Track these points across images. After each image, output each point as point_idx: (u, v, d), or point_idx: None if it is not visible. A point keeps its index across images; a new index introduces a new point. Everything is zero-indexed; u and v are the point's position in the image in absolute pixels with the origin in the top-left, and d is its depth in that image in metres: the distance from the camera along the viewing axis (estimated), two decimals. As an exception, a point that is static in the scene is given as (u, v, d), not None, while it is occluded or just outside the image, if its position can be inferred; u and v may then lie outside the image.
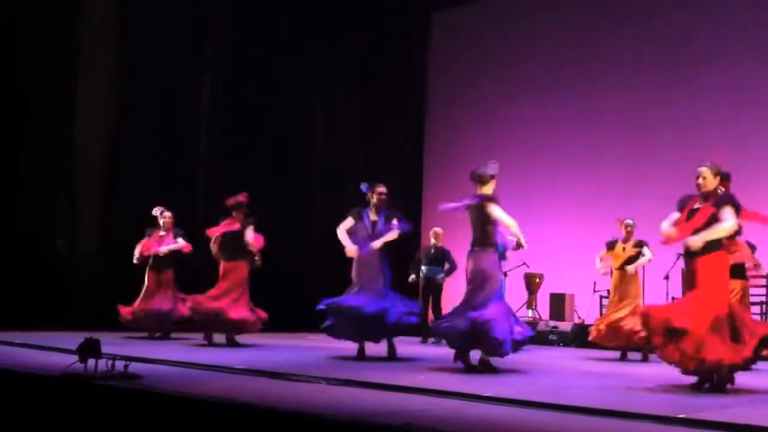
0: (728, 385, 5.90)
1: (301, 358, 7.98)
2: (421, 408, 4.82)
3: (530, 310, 12.86)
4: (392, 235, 8.02)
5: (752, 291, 10.94)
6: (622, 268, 9.33)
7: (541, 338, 11.70)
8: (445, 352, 7.80)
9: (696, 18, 12.75)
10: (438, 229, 11.75)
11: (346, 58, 14.58)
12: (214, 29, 13.31)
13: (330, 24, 13.96)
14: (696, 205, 6.01)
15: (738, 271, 8.55)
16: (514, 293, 12.81)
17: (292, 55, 13.36)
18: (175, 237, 10.44)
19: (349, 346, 8.30)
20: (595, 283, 11.76)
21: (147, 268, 10.37)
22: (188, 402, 4.92)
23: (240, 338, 9.40)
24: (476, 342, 6.91)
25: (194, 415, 4.77)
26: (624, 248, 9.42)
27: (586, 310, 12.32)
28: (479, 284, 7.05)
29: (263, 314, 9.33)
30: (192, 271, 10.47)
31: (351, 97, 14.55)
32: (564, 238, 13.23)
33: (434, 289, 11.60)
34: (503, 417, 4.65)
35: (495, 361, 7.07)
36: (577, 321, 12.31)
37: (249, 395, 5.08)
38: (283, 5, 13.35)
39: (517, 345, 6.97)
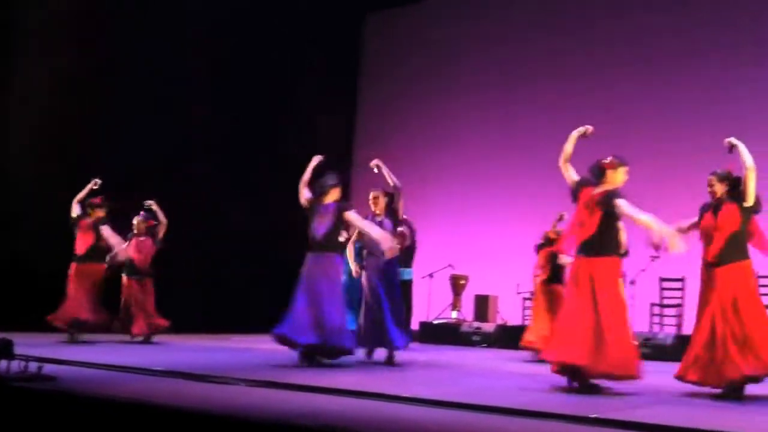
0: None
1: (223, 359, 7.91)
2: (340, 409, 4.82)
3: (455, 312, 12.98)
4: None
5: (666, 294, 11.30)
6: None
7: (464, 339, 11.85)
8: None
9: (618, 22, 13.04)
10: None
11: (278, 59, 14.48)
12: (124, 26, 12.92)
13: (261, 23, 13.83)
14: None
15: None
16: (440, 295, 12.95)
17: (214, 54, 13.17)
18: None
19: (271, 348, 8.26)
20: (518, 284, 11.95)
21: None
22: (104, 404, 4.82)
23: (162, 339, 9.33)
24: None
25: (110, 417, 4.68)
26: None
27: (509, 312, 12.50)
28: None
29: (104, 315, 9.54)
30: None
31: (281, 97, 14.45)
32: (489, 240, 13.41)
33: None
34: (423, 418, 4.68)
35: (419, 360, 7.16)
36: (500, 322, 12.48)
37: (166, 397, 5.00)
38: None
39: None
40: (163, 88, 12.16)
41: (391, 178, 7.96)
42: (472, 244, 13.58)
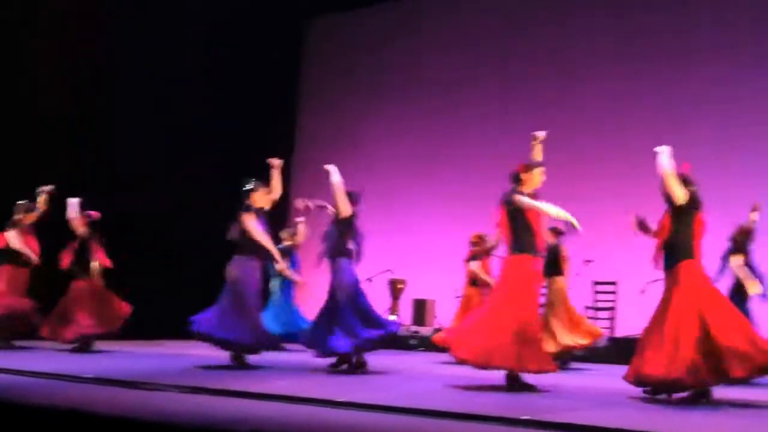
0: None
1: (157, 365, 7.78)
2: (272, 415, 4.79)
3: (393, 316, 12.99)
4: None
5: (599, 297, 11.48)
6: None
7: (402, 343, 11.88)
8: (308, 357, 7.83)
9: (569, 29, 13.22)
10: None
11: (217, 61, 14.34)
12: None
13: (202, 25, 13.69)
14: None
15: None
16: (378, 299, 12.94)
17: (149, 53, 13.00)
18: None
19: (204, 353, 8.17)
20: (456, 288, 12.00)
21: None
22: (34, 412, 4.72)
23: (96, 346, 9.20)
24: None
25: (40, 426, 4.58)
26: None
27: (446, 316, 12.55)
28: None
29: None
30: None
31: (221, 100, 14.31)
32: (428, 245, 13.47)
33: None
34: (357, 422, 4.68)
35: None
36: (437, 326, 12.53)
37: (97, 405, 4.92)
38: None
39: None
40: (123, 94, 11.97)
41: (327, 207, 7.93)
42: (410, 248, 13.62)
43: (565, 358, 9.06)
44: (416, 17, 14.73)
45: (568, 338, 8.95)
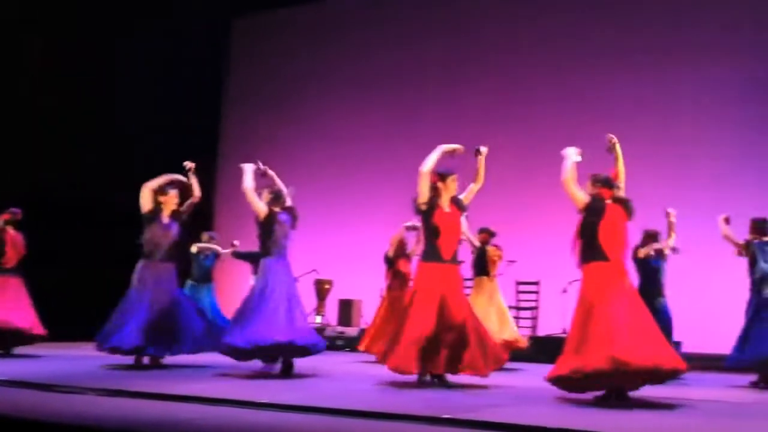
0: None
1: (74, 368, 7.61)
2: (192, 416, 4.73)
3: (319, 316, 12.98)
4: None
5: (522, 297, 11.66)
6: None
7: (328, 344, 11.85)
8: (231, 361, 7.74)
9: (487, 29, 13.39)
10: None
11: (139, 61, 14.10)
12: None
13: (127, 22, 13.44)
14: None
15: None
16: (305, 299, 12.89)
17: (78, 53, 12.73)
18: None
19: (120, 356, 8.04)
20: (381, 288, 12.03)
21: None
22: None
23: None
24: None
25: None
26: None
27: (372, 316, 12.58)
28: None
29: None
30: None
31: (150, 97, 14.06)
32: (353, 245, 13.48)
33: None
34: (279, 423, 4.65)
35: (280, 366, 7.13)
36: (364, 326, 12.55)
37: (12, 408, 4.78)
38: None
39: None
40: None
41: (277, 182, 7.87)
42: (336, 249, 13.63)
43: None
44: (342, 17, 14.74)
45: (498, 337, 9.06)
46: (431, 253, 6.68)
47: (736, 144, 11.43)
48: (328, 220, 13.88)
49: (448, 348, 6.50)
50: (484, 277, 9.26)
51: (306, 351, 7.22)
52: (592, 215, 5.98)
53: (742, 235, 8.30)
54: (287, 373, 7.28)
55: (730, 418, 5.36)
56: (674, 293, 9.44)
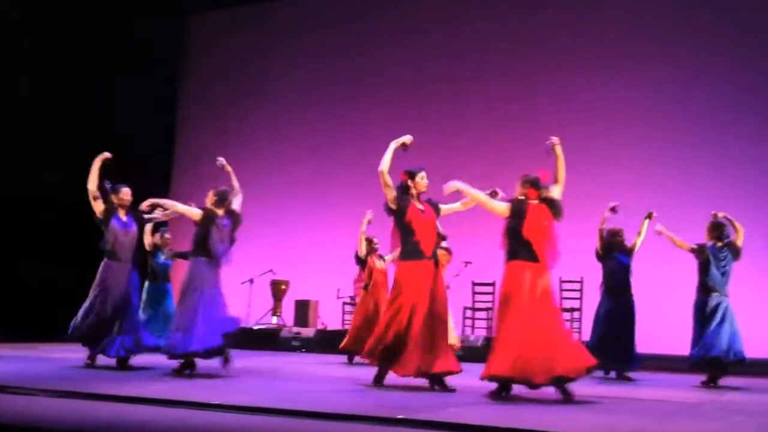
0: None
1: (27, 369, 7.50)
2: (145, 418, 4.69)
3: (275, 317, 12.94)
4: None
5: (478, 298, 11.73)
6: None
7: (284, 345, 11.83)
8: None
9: (439, 34, 13.46)
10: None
11: (95, 57, 13.91)
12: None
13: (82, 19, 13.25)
14: None
15: None
16: (261, 300, 12.87)
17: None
18: None
19: (80, 356, 7.93)
20: (338, 289, 12.05)
21: None
22: None
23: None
24: None
25: None
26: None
27: (329, 316, 12.59)
28: None
29: None
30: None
31: (97, 97, 13.88)
32: (310, 246, 13.46)
33: None
34: (232, 425, 4.63)
35: (235, 367, 7.10)
36: (320, 327, 12.55)
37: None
38: None
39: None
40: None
41: (233, 179, 7.78)
42: (292, 249, 13.60)
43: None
44: (298, 15, 14.69)
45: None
46: (412, 252, 6.60)
47: (681, 146, 11.62)
48: (285, 220, 13.84)
49: (434, 346, 6.51)
50: None
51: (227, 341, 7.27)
52: (514, 218, 6.13)
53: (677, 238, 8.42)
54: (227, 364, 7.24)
55: (679, 417, 5.45)
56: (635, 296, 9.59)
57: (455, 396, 6.20)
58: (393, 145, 6.73)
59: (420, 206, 6.71)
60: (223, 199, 7.48)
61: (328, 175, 13.71)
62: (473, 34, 13.17)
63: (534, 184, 6.25)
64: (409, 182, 6.70)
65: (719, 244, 8.20)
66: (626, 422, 5.00)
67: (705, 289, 8.11)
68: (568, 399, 5.88)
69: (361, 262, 9.86)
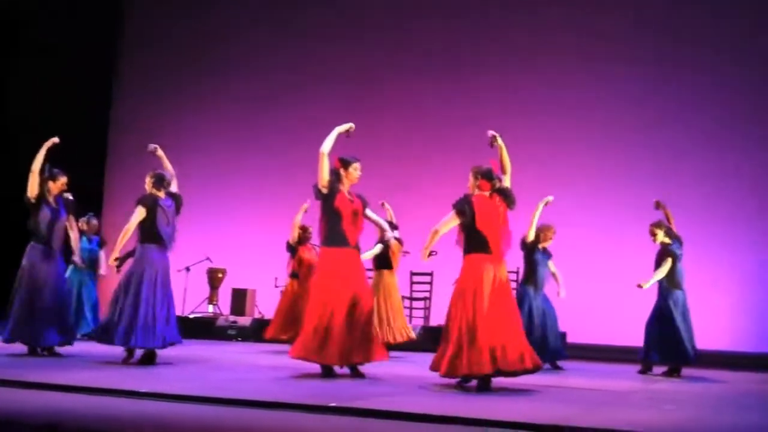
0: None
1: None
2: (70, 407, 4.60)
3: (211, 306, 12.80)
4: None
5: (416, 287, 11.79)
6: None
7: (220, 333, 11.71)
8: (118, 350, 7.54)
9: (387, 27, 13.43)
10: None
11: (28, 38, 13.55)
12: None
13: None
14: None
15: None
16: (197, 288, 12.71)
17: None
18: None
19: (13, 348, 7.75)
20: (276, 278, 11.96)
21: None
22: None
23: None
24: None
25: None
26: None
27: (266, 305, 12.50)
28: None
29: None
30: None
31: (31, 80, 13.53)
32: (248, 233, 13.34)
33: None
34: (159, 413, 4.56)
35: (169, 356, 6.99)
36: (257, 316, 12.46)
37: None
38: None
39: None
40: None
41: (166, 164, 7.66)
42: (230, 237, 13.46)
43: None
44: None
45: (388, 332, 9.16)
46: (336, 238, 6.58)
47: (632, 144, 11.81)
48: (223, 207, 13.69)
49: (359, 335, 6.50)
50: (385, 270, 9.32)
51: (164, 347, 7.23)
52: (465, 217, 6.12)
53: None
54: (148, 361, 7.14)
55: (609, 406, 5.54)
56: (567, 286, 9.70)
57: (388, 384, 6.21)
58: (336, 130, 6.70)
59: (349, 196, 6.68)
60: (161, 181, 7.37)
61: (268, 162, 13.58)
62: (420, 29, 13.17)
63: (486, 175, 6.24)
64: (342, 170, 6.66)
65: (675, 239, 8.35)
66: (557, 411, 5.06)
67: (673, 285, 8.24)
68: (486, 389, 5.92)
69: (292, 249, 9.84)
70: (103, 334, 7.19)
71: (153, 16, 14.94)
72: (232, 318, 12.11)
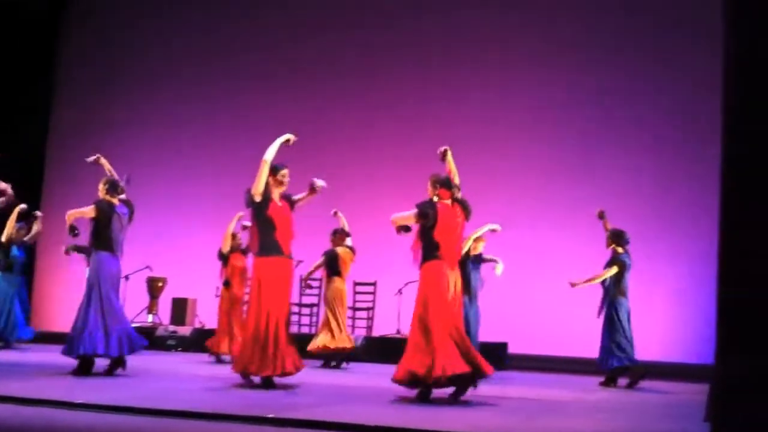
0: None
1: None
2: (5, 416, 4.47)
3: (151, 315, 12.60)
4: None
5: (359, 297, 11.77)
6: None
7: (160, 343, 11.53)
8: (52, 358, 7.38)
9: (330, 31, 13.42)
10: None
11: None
12: None
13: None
14: None
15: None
16: (136, 298, 12.50)
17: None
18: None
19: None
20: (217, 287, 11.82)
21: None
22: None
23: None
24: None
25: None
26: None
27: (207, 315, 12.35)
28: None
29: None
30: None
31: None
32: (189, 242, 13.17)
33: None
34: (96, 424, 4.48)
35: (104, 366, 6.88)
36: (197, 325, 12.30)
37: None
38: None
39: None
40: None
41: (112, 172, 7.56)
42: (171, 246, 13.27)
43: (340, 357, 9.30)
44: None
45: (331, 339, 9.15)
46: (270, 247, 6.53)
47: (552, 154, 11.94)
48: (164, 215, 13.50)
49: (284, 346, 6.46)
50: (337, 277, 9.34)
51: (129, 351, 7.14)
52: (426, 220, 6.08)
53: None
54: (112, 371, 7.03)
55: (546, 416, 5.58)
56: (501, 296, 9.79)
57: (326, 395, 6.18)
58: (279, 140, 6.66)
59: (279, 203, 6.65)
60: (115, 187, 7.31)
61: (208, 171, 13.41)
62: (358, 33, 13.18)
63: (445, 184, 6.25)
64: (270, 178, 6.61)
65: (626, 248, 8.43)
66: (494, 420, 5.08)
67: (620, 292, 8.31)
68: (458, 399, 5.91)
69: (224, 258, 9.81)
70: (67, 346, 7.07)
71: (94, 14, 14.73)
72: (172, 328, 11.94)
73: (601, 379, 8.39)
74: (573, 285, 8.35)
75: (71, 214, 7.13)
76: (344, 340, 9.19)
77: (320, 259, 9.45)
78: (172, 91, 14.00)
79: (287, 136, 6.71)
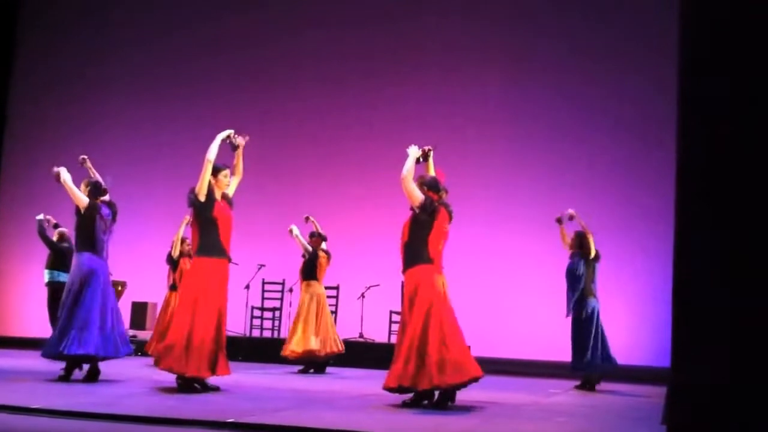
0: None
1: None
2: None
3: (111, 319, 12.43)
4: None
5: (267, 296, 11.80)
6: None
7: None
8: (16, 363, 7.26)
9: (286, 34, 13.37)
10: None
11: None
12: None
13: None
14: None
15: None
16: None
17: None
18: None
19: None
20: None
21: None
22: None
23: None
24: None
25: None
26: None
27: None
28: None
29: None
30: None
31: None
32: (148, 245, 13.01)
33: None
34: (50, 429, 4.41)
35: (55, 371, 6.75)
36: (159, 330, 12.16)
37: None
38: None
39: None
40: None
41: (95, 174, 7.49)
42: (130, 249, 13.10)
43: (312, 361, 9.29)
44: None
45: (315, 342, 9.11)
46: (212, 248, 6.47)
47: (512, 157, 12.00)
48: (123, 218, 13.26)
49: (221, 348, 6.46)
50: (314, 281, 9.41)
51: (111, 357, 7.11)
52: (426, 214, 5.95)
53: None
54: (92, 378, 6.96)
55: (504, 418, 5.60)
56: (468, 299, 9.80)
57: (283, 399, 6.14)
58: (219, 137, 6.60)
59: (222, 204, 6.61)
60: (99, 189, 7.29)
61: (167, 174, 13.27)
62: (314, 40, 13.16)
63: (433, 186, 6.12)
64: (211, 178, 6.53)
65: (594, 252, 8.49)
66: (453, 423, 5.09)
67: (589, 292, 8.37)
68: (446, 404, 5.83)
69: (173, 262, 9.76)
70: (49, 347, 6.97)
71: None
72: (131, 332, 11.80)
73: (577, 382, 8.44)
74: (571, 217, 8.47)
75: (68, 180, 7.07)
76: (335, 344, 9.27)
77: (307, 241, 9.40)
78: (128, 90, 13.88)
79: (227, 132, 6.65)
